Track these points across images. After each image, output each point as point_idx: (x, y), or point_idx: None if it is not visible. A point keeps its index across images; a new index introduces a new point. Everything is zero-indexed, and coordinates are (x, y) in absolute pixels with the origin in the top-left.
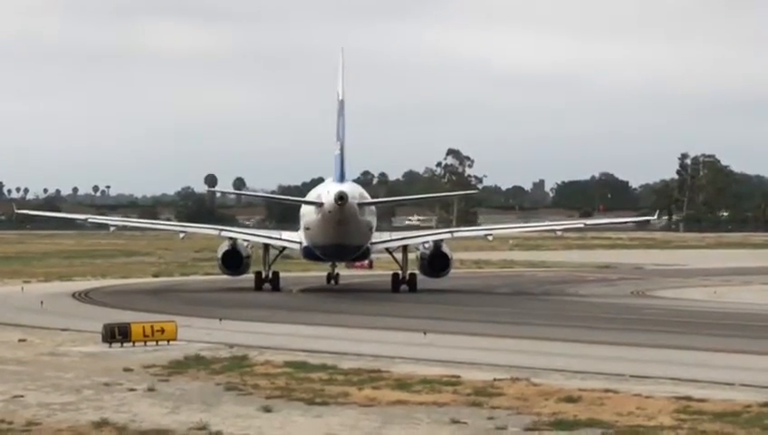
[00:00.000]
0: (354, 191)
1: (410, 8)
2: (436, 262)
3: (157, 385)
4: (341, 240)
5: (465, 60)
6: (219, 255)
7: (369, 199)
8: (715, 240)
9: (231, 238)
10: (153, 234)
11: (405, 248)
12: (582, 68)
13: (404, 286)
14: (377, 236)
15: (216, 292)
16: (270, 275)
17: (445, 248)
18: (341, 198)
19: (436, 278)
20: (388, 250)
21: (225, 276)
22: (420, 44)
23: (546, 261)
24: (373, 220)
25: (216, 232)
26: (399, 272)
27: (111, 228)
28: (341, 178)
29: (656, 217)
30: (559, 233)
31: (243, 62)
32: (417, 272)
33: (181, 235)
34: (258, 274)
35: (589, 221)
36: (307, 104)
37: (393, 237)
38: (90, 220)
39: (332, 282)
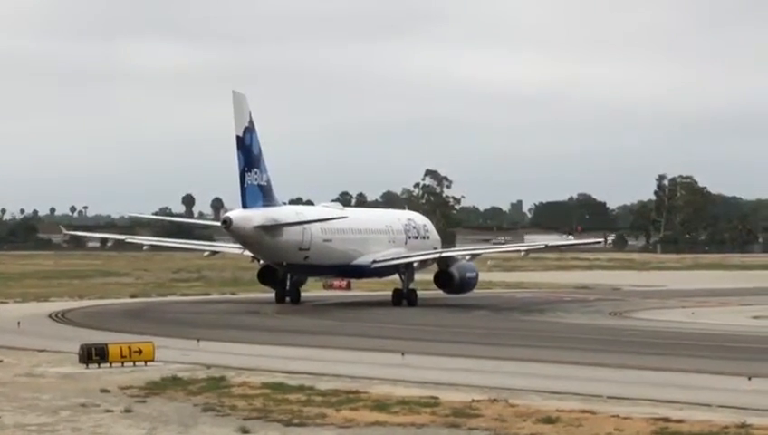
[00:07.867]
0: (250, 215)
1: (391, 29)
2: (441, 279)
3: (134, 406)
4: (272, 259)
5: (445, 80)
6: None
7: (284, 222)
8: (693, 261)
9: (255, 257)
10: (131, 254)
11: (408, 266)
12: (561, 88)
13: (404, 301)
14: (382, 256)
15: (194, 313)
16: (290, 289)
17: (453, 268)
18: (225, 221)
19: (453, 295)
20: (396, 268)
21: (201, 297)
22: (399, 64)
23: (524, 282)
24: (303, 240)
25: (240, 250)
26: (400, 288)
27: (145, 247)
28: (244, 205)
29: (602, 241)
30: (522, 254)
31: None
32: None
33: (205, 253)
34: (280, 287)
35: (551, 242)
36: (285, 123)
37: (395, 257)
38: (128, 241)
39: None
